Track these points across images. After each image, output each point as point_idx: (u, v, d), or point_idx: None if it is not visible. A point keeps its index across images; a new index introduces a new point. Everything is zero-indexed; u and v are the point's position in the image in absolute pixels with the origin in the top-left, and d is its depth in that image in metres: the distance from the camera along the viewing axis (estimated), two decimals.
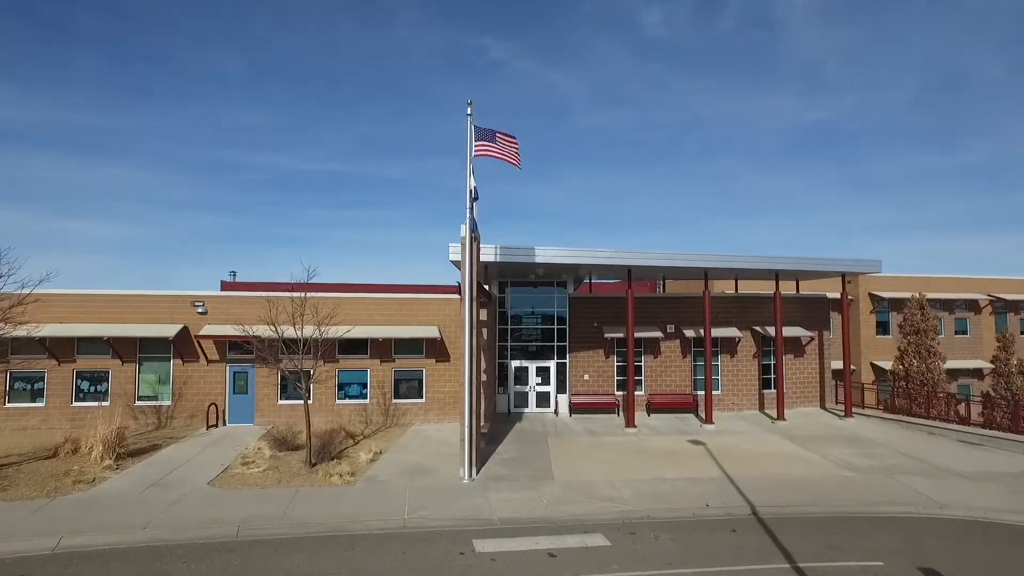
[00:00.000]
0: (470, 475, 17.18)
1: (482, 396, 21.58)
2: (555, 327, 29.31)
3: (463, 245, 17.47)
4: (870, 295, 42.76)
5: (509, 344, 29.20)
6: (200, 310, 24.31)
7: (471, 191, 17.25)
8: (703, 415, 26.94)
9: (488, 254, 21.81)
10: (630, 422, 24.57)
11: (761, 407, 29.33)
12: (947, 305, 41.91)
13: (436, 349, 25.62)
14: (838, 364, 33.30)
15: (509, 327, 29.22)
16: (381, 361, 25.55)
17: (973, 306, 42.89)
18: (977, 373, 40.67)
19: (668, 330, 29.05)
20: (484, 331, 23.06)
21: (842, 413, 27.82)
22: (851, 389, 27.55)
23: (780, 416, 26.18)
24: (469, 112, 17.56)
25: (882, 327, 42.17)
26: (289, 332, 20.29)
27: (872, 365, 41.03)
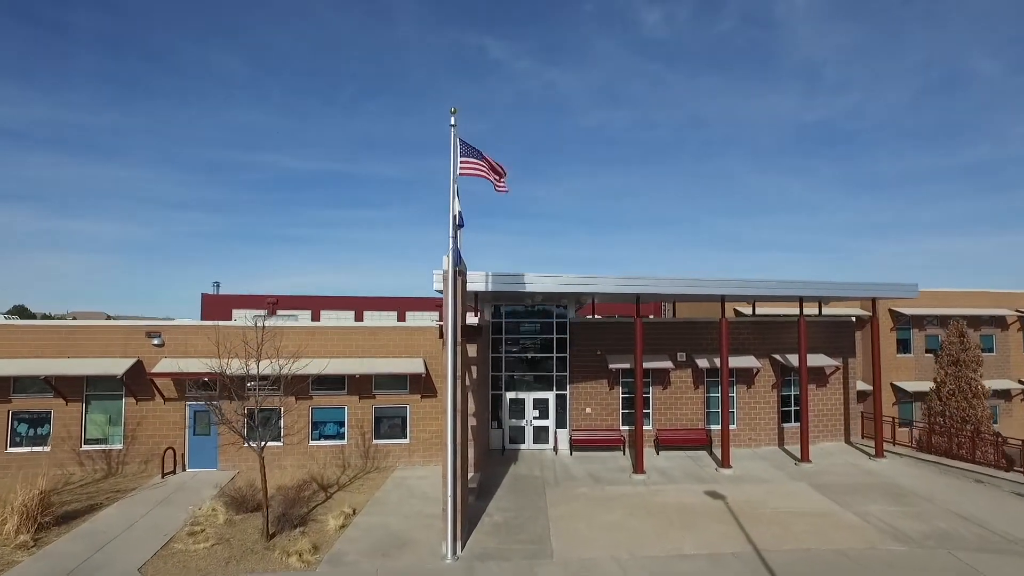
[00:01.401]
0: (453, 552, 14.55)
1: (469, 444, 18.99)
2: (554, 355, 26.67)
3: (445, 281, 14.84)
4: (890, 311, 40.13)
5: (503, 374, 26.56)
6: (156, 342, 21.68)
7: (455, 217, 14.61)
8: (718, 455, 24.34)
9: (478, 282, 19.18)
10: (638, 467, 21.92)
11: (780, 442, 26.70)
12: (972, 321, 39.30)
13: (421, 384, 23.00)
14: (861, 386, 30.71)
15: (503, 355, 26.59)
16: (360, 397, 22.92)
17: (1000, 322, 40.25)
18: (1004, 394, 38.17)
19: (679, 358, 26.42)
20: (473, 368, 20.45)
21: (870, 450, 25.23)
22: (882, 425, 24.89)
23: (804, 457, 23.54)
24: (453, 122, 14.93)
25: (903, 345, 39.52)
26: (261, 367, 17.80)
27: (892, 386, 38.36)
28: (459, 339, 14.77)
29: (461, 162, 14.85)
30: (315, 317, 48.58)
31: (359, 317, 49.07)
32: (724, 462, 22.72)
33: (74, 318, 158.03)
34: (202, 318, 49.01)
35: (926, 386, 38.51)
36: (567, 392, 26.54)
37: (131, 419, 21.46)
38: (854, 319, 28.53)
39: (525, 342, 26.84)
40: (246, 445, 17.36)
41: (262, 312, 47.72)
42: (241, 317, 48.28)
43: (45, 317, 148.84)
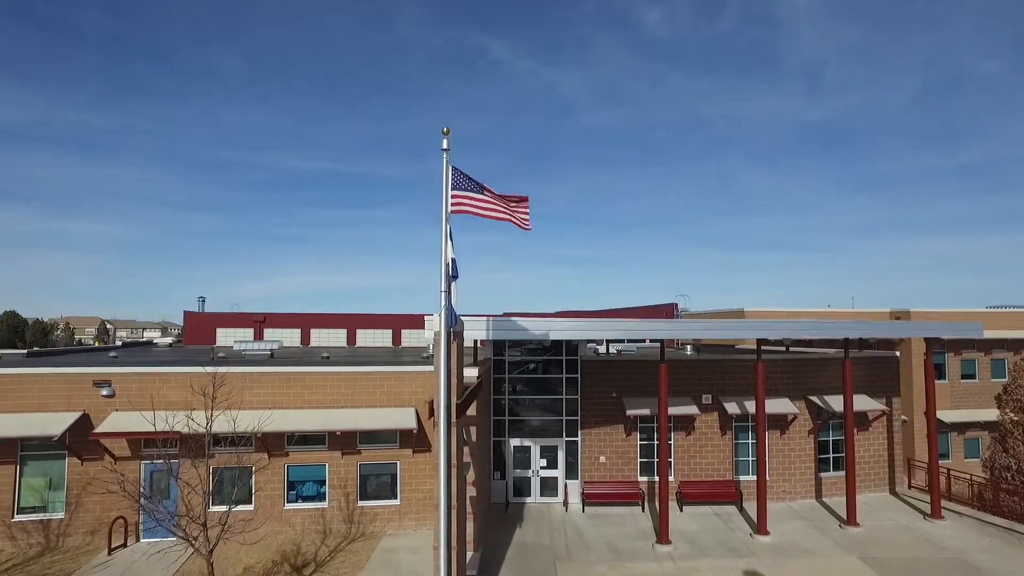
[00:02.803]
0: None
1: (468, 516, 16.08)
2: (563, 397, 23.71)
3: (436, 344, 11.90)
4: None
5: (506, 418, 23.62)
6: (105, 392, 18.74)
7: (447, 265, 11.64)
8: (748, 511, 21.43)
9: (478, 329, 16.27)
10: (663, 536, 18.91)
11: (818, 494, 23.73)
12: (1013, 345, 36.33)
13: (413, 438, 20.04)
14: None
15: (506, 397, 23.65)
16: (343, 453, 19.97)
17: None
18: None
19: (704, 401, 23.45)
20: (473, 430, 17.52)
21: (921, 504, 22.30)
22: (938, 478, 21.84)
23: (851, 519, 20.56)
24: (445, 146, 11.94)
25: (938, 371, 36.51)
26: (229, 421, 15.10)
27: (926, 416, 35.36)
28: (454, 420, 11.82)
29: (453, 196, 11.87)
30: (305, 337, 45.67)
31: (351, 336, 46.14)
32: (760, 528, 19.74)
33: (67, 323, 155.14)
34: (184, 338, 46.09)
35: (963, 416, 35.55)
36: (578, 438, 23.58)
37: (75, 483, 18.51)
38: (897, 356, 25.49)
39: (531, 382, 23.90)
40: (194, 545, 14.37)
41: (249, 332, 44.87)
42: (225, 338, 45.48)
43: (37, 323, 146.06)
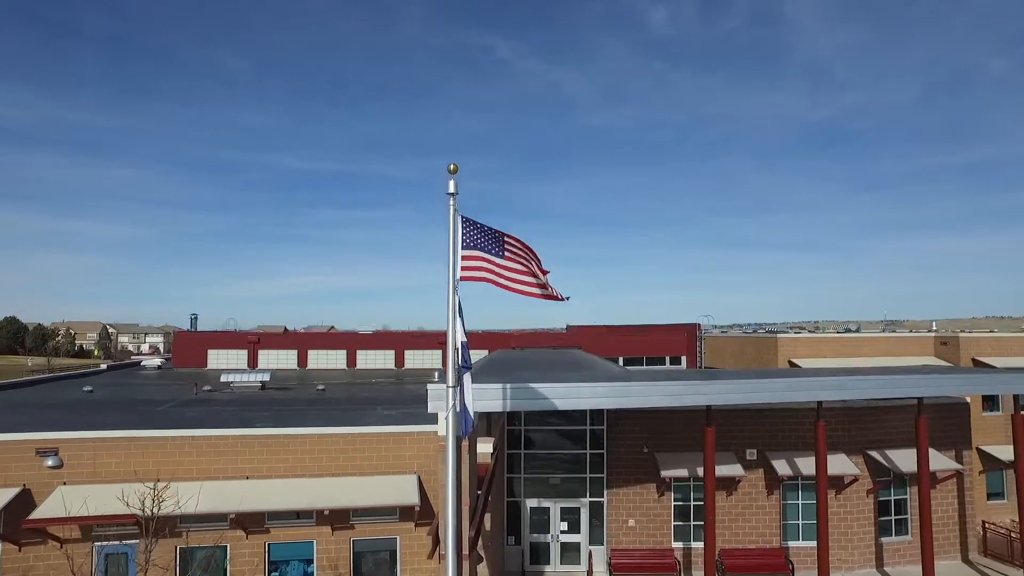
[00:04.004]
0: None
1: None
2: (587, 451, 20.80)
3: (443, 462, 8.99)
4: (974, 360, 34.20)
5: (522, 475, 20.74)
6: (51, 463, 15.91)
7: (456, 351, 8.71)
8: None
9: (491, 401, 13.36)
10: None
11: (879, 563, 20.74)
12: None
13: (415, 511, 17.13)
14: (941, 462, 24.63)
15: (522, 452, 20.76)
16: (333, 528, 17.08)
17: None
18: None
19: (747, 457, 20.51)
20: (487, 518, 14.59)
21: None
22: None
23: None
24: (452, 189, 8.99)
25: (990, 402, 33.40)
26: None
27: (979, 451, 32.25)
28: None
29: (464, 258, 8.93)
30: (302, 358, 42.84)
31: (352, 358, 43.29)
32: None
33: (68, 328, 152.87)
34: (174, 360, 43.32)
35: None
36: (604, 499, 20.67)
37: (11, 572, 15.66)
38: (968, 403, 22.40)
39: (550, 435, 20.99)
40: None
41: (242, 354, 42.15)
42: (216, 360, 42.71)
43: (38, 328, 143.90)
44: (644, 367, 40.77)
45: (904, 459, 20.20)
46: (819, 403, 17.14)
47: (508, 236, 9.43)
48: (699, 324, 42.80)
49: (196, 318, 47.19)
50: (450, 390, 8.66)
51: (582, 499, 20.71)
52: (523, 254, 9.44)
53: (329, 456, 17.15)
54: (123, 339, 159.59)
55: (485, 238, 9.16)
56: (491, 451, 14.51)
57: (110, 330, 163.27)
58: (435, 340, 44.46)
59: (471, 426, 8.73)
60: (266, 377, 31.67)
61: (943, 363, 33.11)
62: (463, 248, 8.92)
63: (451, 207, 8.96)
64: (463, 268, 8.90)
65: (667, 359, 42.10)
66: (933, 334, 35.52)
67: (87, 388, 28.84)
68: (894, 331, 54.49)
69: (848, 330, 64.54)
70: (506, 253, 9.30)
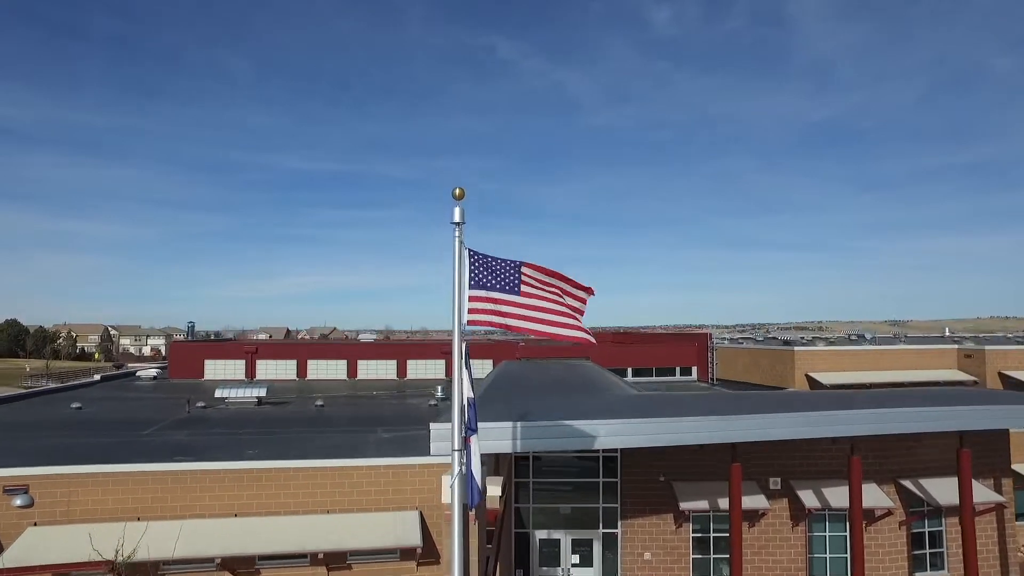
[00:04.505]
0: None
1: None
2: (600, 480, 19.52)
3: (450, 539, 7.74)
4: (1000, 375, 32.88)
5: (531, 506, 19.46)
6: (19, 502, 14.69)
7: (462, 410, 7.45)
8: None
9: (500, 441, 12.11)
10: None
11: None
12: None
13: (416, 552, 15.89)
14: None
15: (530, 481, 19.50)
16: (329, 569, 15.85)
17: None
18: None
19: (771, 486, 19.23)
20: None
21: None
22: None
23: None
24: (457, 218, 7.75)
25: None
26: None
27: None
28: None
29: (471, 299, 7.67)
30: (301, 369, 41.64)
31: (352, 368, 42.08)
32: None
33: (70, 331, 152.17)
34: (170, 371, 42.14)
35: None
36: (618, 530, 19.39)
37: None
38: (1009, 430, 21.05)
39: (560, 463, 19.74)
40: None
41: (239, 364, 40.98)
42: (213, 370, 41.54)
43: (39, 331, 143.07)
44: (655, 377, 39.52)
45: (939, 489, 18.91)
46: (852, 443, 15.85)
47: (527, 265, 8.12)
48: (709, 333, 41.45)
49: (193, 326, 45.93)
50: (455, 453, 7.41)
51: (595, 530, 19.44)
52: (546, 285, 8.14)
53: (324, 491, 15.92)
54: (124, 341, 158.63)
55: (496, 275, 7.88)
56: (499, 494, 13.25)
57: (112, 331, 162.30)
58: (438, 350, 43.27)
59: (479, 496, 7.47)
60: (262, 392, 30.47)
61: (969, 377, 31.79)
62: (470, 287, 7.66)
63: (456, 239, 7.72)
64: (470, 311, 7.64)
65: (677, 370, 40.77)
66: (956, 346, 34.18)
67: (75, 405, 27.68)
68: (904, 334, 52.94)
69: (860, 336, 63.02)
70: (523, 288, 8.01)
